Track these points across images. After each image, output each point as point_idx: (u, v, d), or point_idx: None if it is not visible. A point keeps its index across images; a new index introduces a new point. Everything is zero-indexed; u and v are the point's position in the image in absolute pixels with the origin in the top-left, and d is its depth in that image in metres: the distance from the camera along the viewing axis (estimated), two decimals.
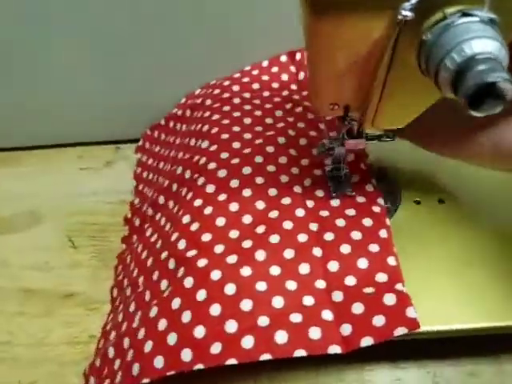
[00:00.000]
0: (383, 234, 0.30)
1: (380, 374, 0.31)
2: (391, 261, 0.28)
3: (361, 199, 0.32)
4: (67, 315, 0.36)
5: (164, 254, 0.31)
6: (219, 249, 0.30)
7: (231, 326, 0.26)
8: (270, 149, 0.35)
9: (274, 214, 0.31)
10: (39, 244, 0.42)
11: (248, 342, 0.25)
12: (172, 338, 0.26)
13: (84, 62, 0.44)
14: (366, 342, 0.24)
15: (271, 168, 0.34)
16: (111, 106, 0.48)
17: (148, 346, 0.27)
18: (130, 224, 0.41)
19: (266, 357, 0.24)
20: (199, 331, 0.26)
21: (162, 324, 0.27)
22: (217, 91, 0.43)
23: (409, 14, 0.18)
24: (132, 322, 0.30)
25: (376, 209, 0.31)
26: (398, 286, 0.26)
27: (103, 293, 0.37)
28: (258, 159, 0.34)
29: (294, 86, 0.43)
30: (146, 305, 0.30)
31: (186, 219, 0.32)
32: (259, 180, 0.33)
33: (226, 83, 0.43)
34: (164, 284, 0.30)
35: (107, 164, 0.49)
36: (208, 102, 0.42)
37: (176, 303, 0.28)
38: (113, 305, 0.36)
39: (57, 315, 0.36)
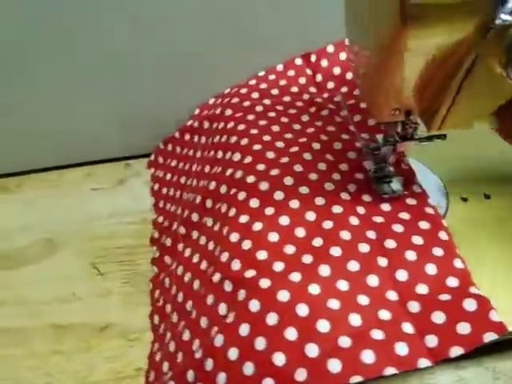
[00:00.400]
0: (443, 236, 0.29)
1: (441, 376, 0.31)
2: (458, 263, 0.27)
3: (411, 201, 0.31)
4: (107, 349, 0.34)
5: (216, 276, 0.30)
6: (279, 267, 0.28)
7: (312, 350, 0.24)
8: (308, 156, 0.34)
9: (327, 224, 0.30)
10: (61, 274, 0.39)
11: (334, 365, 0.24)
12: (249, 368, 0.25)
13: (88, 74, 0.42)
14: (456, 351, 0.24)
15: (313, 176, 0.33)
16: (117, 120, 0.46)
17: (221, 379, 0.25)
18: (159, 244, 0.39)
19: (355, 379, 0.23)
20: (279, 358, 0.24)
21: (233, 353, 0.26)
22: (235, 100, 0.41)
23: (509, 18, 0.18)
24: (191, 352, 0.28)
25: (429, 210, 0.30)
26: (473, 290, 0.26)
27: (141, 320, 0.35)
28: (298, 168, 0.33)
29: (313, 89, 0.42)
30: (204, 332, 0.29)
31: (234, 237, 0.31)
32: (304, 190, 0.32)
33: (243, 91, 0.42)
34: (223, 309, 0.28)
35: (119, 182, 0.46)
36: (228, 112, 0.40)
37: (245, 330, 0.26)
38: (156, 333, 0.34)
39: (96, 350, 0.34)
